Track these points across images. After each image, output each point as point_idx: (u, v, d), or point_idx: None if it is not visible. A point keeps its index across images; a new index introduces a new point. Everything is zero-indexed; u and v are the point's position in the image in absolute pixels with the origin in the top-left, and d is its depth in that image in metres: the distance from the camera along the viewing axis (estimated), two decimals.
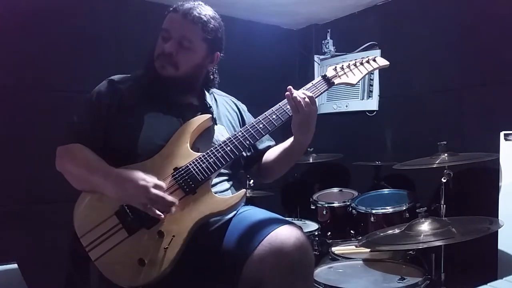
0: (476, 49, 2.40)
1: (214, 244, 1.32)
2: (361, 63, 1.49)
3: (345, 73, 1.46)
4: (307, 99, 1.33)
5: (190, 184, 1.29)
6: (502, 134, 2.06)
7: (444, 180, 1.96)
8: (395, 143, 2.89)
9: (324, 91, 1.42)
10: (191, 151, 1.35)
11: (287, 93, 1.33)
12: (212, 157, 1.31)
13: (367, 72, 1.49)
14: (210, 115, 1.43)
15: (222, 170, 1.36)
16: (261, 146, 1.58)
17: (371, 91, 3.02)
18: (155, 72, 1.40)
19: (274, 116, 1.36)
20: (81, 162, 1.33)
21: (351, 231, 2.50)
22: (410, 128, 2.77)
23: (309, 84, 1.41)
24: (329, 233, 2.56)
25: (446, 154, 2.00)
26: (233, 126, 1.54)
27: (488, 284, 1.05)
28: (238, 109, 1.62)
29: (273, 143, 1.61)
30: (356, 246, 2.16)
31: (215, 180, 1.36)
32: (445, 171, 1.95)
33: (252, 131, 1.35)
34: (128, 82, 1.44)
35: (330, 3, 2.98)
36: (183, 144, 1.35)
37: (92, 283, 1.33)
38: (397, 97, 2.89)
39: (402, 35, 2.82)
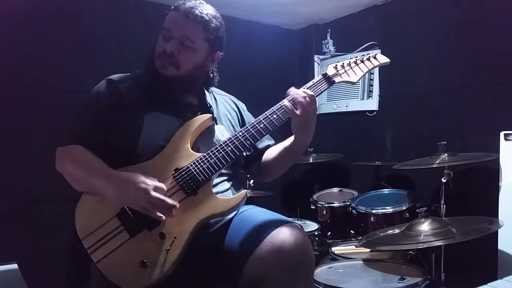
0: (476, 49, 2.40)
1: (216, 243, 1.32)
2: (362, 61, 1.48)
3: (345, 71, 1.45)
4: (307, 99, 1.32)
5: (191, 185, 1.29)
6: (502, 134, 2.06)
7: (444, 180, 1.96)
8: (395, 143, 2.89)
9: (325, 90, 1.41)
10: (192, 151, 1.34)
11: (288, 94, 1.33)
12: (213, 158, 1.31)
13: (367, 70, 1.48)
14: (211, 115, 1.43)
15: (223, 170, 1.35)
16: (260, 145, 1.58)
17: (371, 91, 3.02)
18: (156, 72, 1.39)
19: (275, 116, 1.35)
20: (82, 164, 1.33)
21: (351, 231, 2.50)
22: (410, 128, 2.78)
23: (310, 83, 1.41)
24: (329, 233, 2.56)
25: (446, 154, 2.00)
26: (233, 126, 1.54)
27: (488, 284, 1.06)
28: (238, 108, 1.62)
29: (272, 142, 1.61)
30: (356, 246, 2.16)
31: (215, 180, 1.36)
32: (445, 171, 1.95)
33: (253, 131, 1.34)
34: (128, 82, 1.43)
35: (330, 3, 2.98)
36: (183, 144, 1.35)
37: (92, 283, 1.33)
38: (397, 97, 2.89)
39: (402, 35, 2.82)
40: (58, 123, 2.18)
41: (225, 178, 1.42)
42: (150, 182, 1.23)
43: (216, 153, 1.32)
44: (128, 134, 1.35)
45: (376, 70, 2.98)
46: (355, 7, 3.06)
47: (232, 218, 1.38)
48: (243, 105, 1.66)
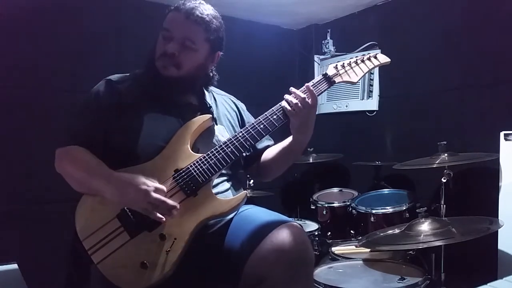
0: (476, 49, 2.40)
1: (216, 243, 1.32)
2: (362, 61, 1.47)
3: (346, 71, 1.44)
4: (307, 99, 1.33)
5: (191, 186, 1.29)
6: (502, 134, 2.06)
7: (444, 180, 1.96)
8: (395, 143, 2.89)
9: (325, 90, 1.41)
10: (192, 152, 1.34)
11: (290, 94, 1.34)
12: (213, 159, 1.31)
13: (368, 70, 1.47)
14: (210, 115, 1.43)
15: (222, 171, 1.35)
16: (260, 145, 1.58)
17: (371, 91, 3.02)
18: (156, 72, 1.39)
19: (274, 117, 1.35)
20: (81, 165, 1.33)
21: (351, 231, 2.50)
22: (410, 128, 2.78)
23: (310, 83, 1.40)
24: (329, 233, 2.56)
25: (446, 154, 2.00)
26: (232, 126, 1.54)
27: (488, 284, 1.05)
28: (237, 108, 1.62)
29: (272, 142, 1.61)
30: (356, 246, 2.16)
31: (215, 181, 1.36)
32: (445, 171, 1.95)
33: (252, 132, 1.34)
34: (127, 82, 1.43)
35: (330, 3, 2.98)
36: (183, 145, 1.34)
37: (92, 284, 1.33)
38: (397, 97, 2.89)
39: (402, 35, 2.82)
40: (58, 123, 2.18)
41: (225, 178, 1.42)
42: (151, 184, 1.23)
43: (216, 154, 1.32)
44: (128, 135, 1.35)
45: (376, 70, 2.98)
46: (355, 7, 3.06)
47: (232, 218, 1.38)
48: (243, 105, 1.66)
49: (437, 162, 1.97)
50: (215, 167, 1.30)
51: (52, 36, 2.42)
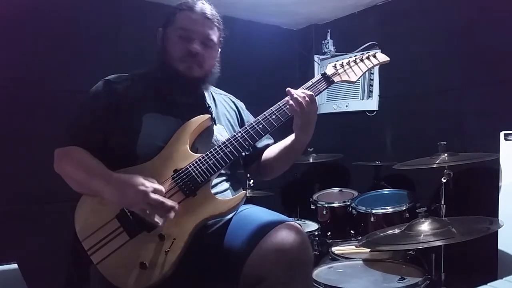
0: (476, 49, 2.40)
1: (215, 243, 1.32)
2: (361, 60, 1.47)
3: (344, 70, 1.44)
4: (307, 98, 1.32)
5: (190, 187, 1.28)
6: (502, 134, 2.06)
7: (444, 180, 1.96)
8: (395, 143, 2.89)
9: (324, 90, 1.41)
10: (191, 152, 1.34)
11: (287, 95, 1.34)
12: (212, 159, 1.31)
13: (367, 69, 1.47)
14: (209, 115, 1.42)
15: (221, 171, 1.35)
16: (260, 144, 1.58)
17: (371, 91, 3.02)
18: (177, 73, 1.39)
19: (273, 117, 1.35)
20: (80, 165, 1.33)
21: (351, 231, 2.50)
22: (410, 128, 2.77)
23: (309, 83, 1.41)
24: (329, 233, 2.56)
25: (446, 154, 2.00)
26: (232, 126, 1.54)
27: (488, 284, 1.05)
28: (236, 107, 1.62)
29: (272, 141, 1.61)
30: (356, 246, 2.16)
31: (214, 181, 1.36)
32: (445, 171, 1.95)
33: (251, 132, 1.34)
34: (126, 82, 1.43)
35: (330, 3, 2.98)
36: (182, 145, 1.34)
37: (92, 284, 1.33)
38: (397, 97, 2.89)
39: (402, 35, 2.82)
40: (58, 123, 2.18)
41: (224, 178, 1.42)
42: (149, 184, 1.23)
43: (215, 154, 1.32)
44: (127, 135, 1.34)
45: (376, 70, 2.98)
46: (355, 7, 3.06)
47: (232, 218, 1.38)
48: (242, 103, 1.66)
49: (437, 162, 1.97)
50: (214, 167, 1.30)
51: (52, 36, 2.42)
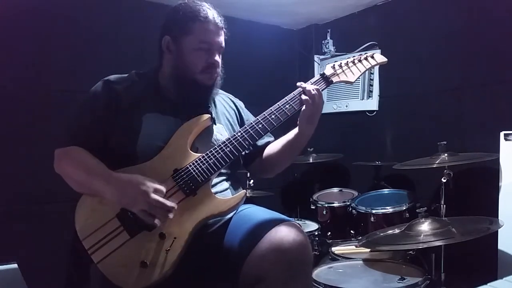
0: (476, 49, 2.40)
1: (215, 243, 1.33)
2: (359, 60, 1.49)
3: (343, 71, 1.46)
4: (316, 92, 1.36)
5: (191, 186, 1.29)
6: (502, 134, 2.06)
7: (444, 180, 1.96)
8: (395, 143, 2.89)
9: (323, 90, 1.42)
10: (191, 152, 1.35)
11: (299, 86, 1.38)
12: (212, 158, 1.31)
13: (365, 69, 1.48)
14: (209, 115, 1.43)
15: (221, 170, 1.36)
16: (260, 142, 1.58)
17: (371, 91, 3.02)
18: (197, 83, 1.41)
19: (273, 116, 1.36)
20: (80, 165, 1.33)
21: (351, 231, 2.50)
22: (410, 128, 2.77)
23: (308, 83, 1.42)
24: (329, 233, 2.56)
25: (446, 154, 2.00)
26: (231, 125, 1.55)
27: (488, 284, 1.05)
28: (236, 106, 1.63)
29: (272, 138, 1.62)
30: (356, 246, 2.16)
31: (214, 180, 1.36)
32: (445, 171, 1.95)
33: (251, 131, 1.35)
34: (125, 82, 1.43)
35: (330, 3, 2.98)
36: (182, 145, 1.35)
37: (92, 284, 1.33)
38: (397, 97, 2.89)
39: (402, 35, 2.82)
40: (58, 123, 2.18)
41: (224, 178, 1.43)
42: (150, 184, 1.23)
43: (215, 154, 1.32)
44: (127, 135, 1.35)
45: (376, 70, 2.98)
46: (355, 7, 3.06)
47: (231, 217, 1.38)
48: (241, 103, 1.67)
49: (437, 162, 1.97)
50: (214, 167, 1.30)
51: (52, 36, 2.42)
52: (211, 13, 1.41)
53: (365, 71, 1.49)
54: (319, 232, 2.54)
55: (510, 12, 2.24)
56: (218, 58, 1.43)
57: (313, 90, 1.36)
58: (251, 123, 1.37)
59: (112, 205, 1.27)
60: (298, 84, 1.40)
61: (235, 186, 1.46)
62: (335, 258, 2.09)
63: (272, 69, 3.29)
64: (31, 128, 2.35)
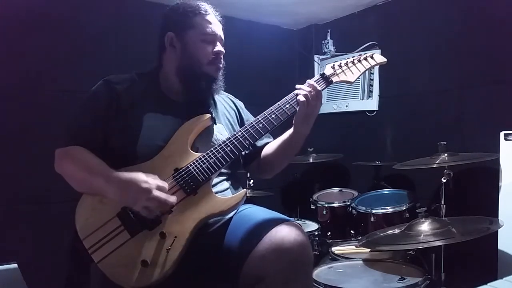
0: (476, 49, 2.40)
1: (215, 242, 1.33)
2: (359, 61, 1.49)
3: (343, 71, 1.46)
4: (313, 92, 1.36)
5: (191, 185, 1.29)
6: (502, 134, 2.06)
7: (444, 180, 1.96)
8: (395, 143, 2.89)
9: (323, 89, 1.43)
10: (191, 151, 1.35)
11: (297, 88, 1.39)
12: (212, 158, 1.32)
13: (365, 69, 1.49)
14: (209, 115, 1.43)
15: (222, 170, 1.36)
16: (259, 143, 1.59)
17: (371, 91, 3.02)
18: (205, 75, 1.43)
19: (273, 116, 1.37)
20: (81, 165, 1.33)
21: (351, 231, 2.50)
22: (410, 128, 2.78)
23: (307, 82, 1.42)
24: (329, 233, 2.56)
25: (446, 154, 2.00)
26: (231, 125, 1.55)
27: (488, 284, 1.05)
28: (236, 106, 1.63)
29: (271, 139, 1.62)
30: (356, 246, 2.16)
31: (214, 180, 1.37)
32: (445, 171, 1.95)
33: (251, 131, 1.36)
34: (125, 82, 1.43)
35: (330, 3, 2.98)
36: (183, 144, 1.35)
37: (92, 283, 1.33)
38: (397, 97, 2.89)
39: (402, 35, 2.82)
40: (58, 123, 2.18)
41: (224, 177, 1.43)
42: (152, 181, 1.23)
43: (216, 153, 1.32)
44: (127, 135, 1.35)
45: (376, 70, 2.98)
46: (355, 7, 3.06)
47: (232, 217, 1.38)
48: (241, 103, 1.67)
49: (437, 162, 1.97)
50: (214, 166, 1.31)
51: (52, 36, 2.42)
52: (209, 8, 1.46)
53: (365, 71, 1.50)
54: (319, 232, 2.54)
55: (509, 12, 2.24)
56: (221, 48, 1.46)
57: (308, 89, 1.37)
58: (252, 123, 1.37)
59: (113, 204, 1.27)
60: (297, 86, 1.41)
61: (235, 186, 1.46)
62: (335, 258, 2.09)
63: (272, 69, 3.29)
64: (31, 128, 2.34)
